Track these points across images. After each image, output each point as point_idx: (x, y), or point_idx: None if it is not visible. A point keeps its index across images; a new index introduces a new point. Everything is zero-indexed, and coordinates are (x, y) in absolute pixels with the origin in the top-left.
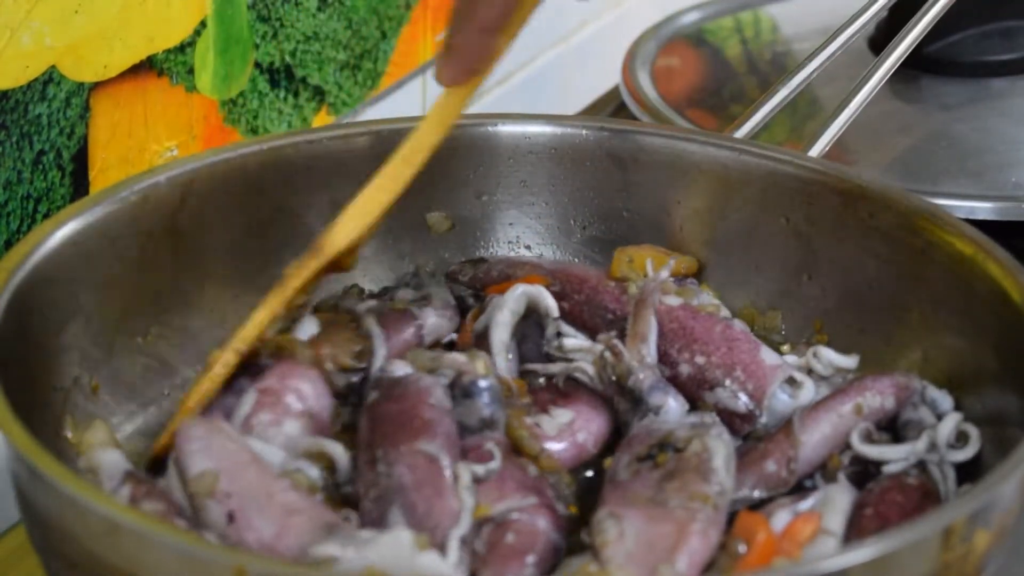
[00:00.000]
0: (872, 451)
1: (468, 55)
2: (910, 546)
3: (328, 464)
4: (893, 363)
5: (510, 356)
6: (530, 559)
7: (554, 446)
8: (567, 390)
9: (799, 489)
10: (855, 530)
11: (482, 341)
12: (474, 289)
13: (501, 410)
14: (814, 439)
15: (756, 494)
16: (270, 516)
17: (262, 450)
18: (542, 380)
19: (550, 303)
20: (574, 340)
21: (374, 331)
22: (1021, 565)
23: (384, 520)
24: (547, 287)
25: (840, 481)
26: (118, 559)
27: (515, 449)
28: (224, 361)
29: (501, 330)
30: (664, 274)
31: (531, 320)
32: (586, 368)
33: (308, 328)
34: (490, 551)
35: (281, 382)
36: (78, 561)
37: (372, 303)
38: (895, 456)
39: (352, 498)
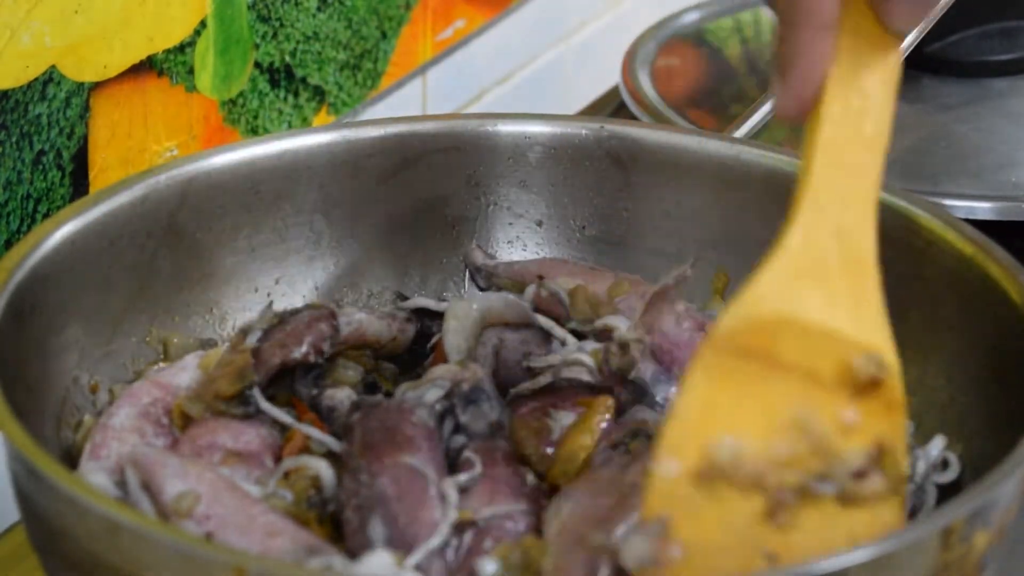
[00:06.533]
0: None
1: None
2: (910, 546)
3: (314, 483)
4: None
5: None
6: None
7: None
8: (565, 392)
9: None
10: None
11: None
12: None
13: (505, 413)
14: None
15: None
16: (251, 537)
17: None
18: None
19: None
20: (568, 347)
21: (250, 340)
22: (1021, 565)
23: (365, 529)
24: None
25: None
26: (118, 559)
27: (522, 460)
28: None
29: (451, 336)
30: (688, 270)
31: (509, 327)
32: (584, 360)
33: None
34: (467, 556)
35: (193, 445)
36: (78, 561)
37: (275, 315)
38: None
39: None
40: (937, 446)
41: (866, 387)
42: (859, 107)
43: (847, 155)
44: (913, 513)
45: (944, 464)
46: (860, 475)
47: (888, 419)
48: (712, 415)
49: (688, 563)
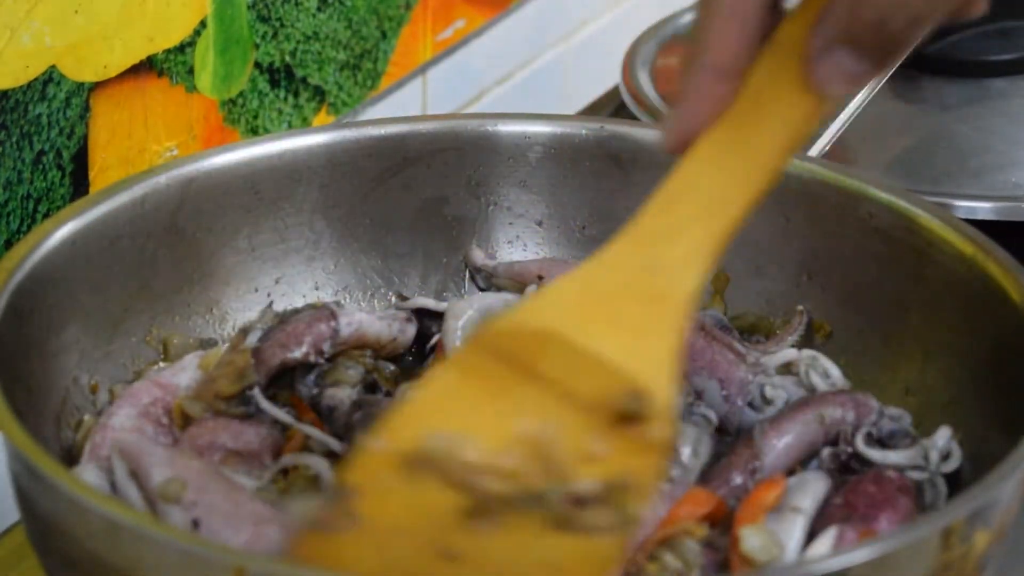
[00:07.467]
0: (876, 454)
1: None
2: (909, 546)
3: (315, 482)
4: (893, 363)
5: None
6: None
7: None
8: None
9: None
10: (822, 517)
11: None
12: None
13: None
14: (778, 449)
15: None
16: (238, 525)
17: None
18: None
19: None
20: None
21: (250, 340)
22: (1021, 565)
23: None
24: None
25: (816, 469)
26: (118, 559)
27: None
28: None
29: (451, 336)
30: None
31: None
32: None
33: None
34: None
35: (193, 445)
36: (78, 561)
37: (275, 315)
38: (897, 460)
39: None
40: (943, 436)
41: (622, 421)
42: (732, 163)
43: (697, 197)
44: (910, 489)
45: (946, 455)
46: (580, 503)
47: (640, 459)
48: (447, 407)
49: (361, 536)
